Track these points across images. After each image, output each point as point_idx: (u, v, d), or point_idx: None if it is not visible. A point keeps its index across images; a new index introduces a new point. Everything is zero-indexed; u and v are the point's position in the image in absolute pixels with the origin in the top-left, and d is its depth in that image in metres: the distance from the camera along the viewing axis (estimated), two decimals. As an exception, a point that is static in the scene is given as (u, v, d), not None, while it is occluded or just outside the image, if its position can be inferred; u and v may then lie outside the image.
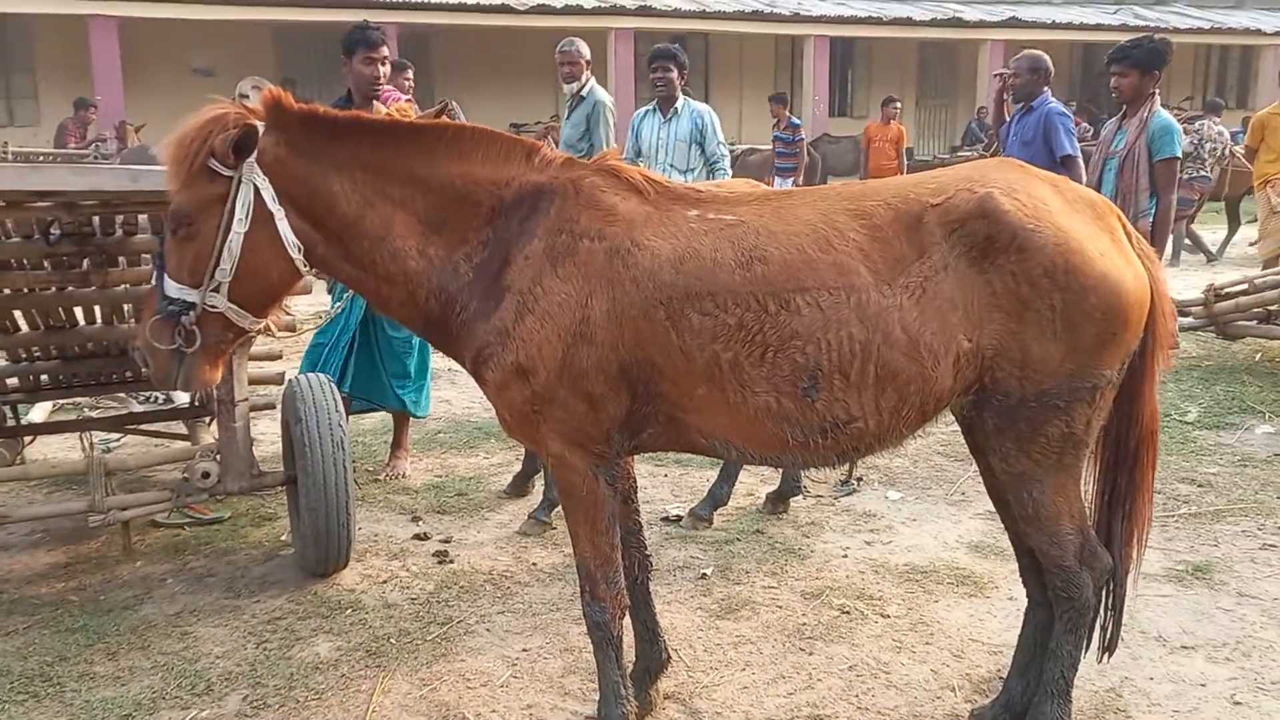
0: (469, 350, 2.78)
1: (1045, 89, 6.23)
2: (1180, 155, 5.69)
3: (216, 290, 2.66)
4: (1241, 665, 3.43)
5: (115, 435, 5.99)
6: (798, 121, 14.77)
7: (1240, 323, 7.36)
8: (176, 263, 2.67)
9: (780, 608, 3.94)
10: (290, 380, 4.35)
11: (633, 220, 2.69)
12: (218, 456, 4.08)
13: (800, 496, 5.09)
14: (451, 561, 4.41)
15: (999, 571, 4.16)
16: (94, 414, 6.00)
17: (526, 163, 2.81)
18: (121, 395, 6.29)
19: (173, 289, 2.66)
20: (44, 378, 4.82)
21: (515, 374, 2.68)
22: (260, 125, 2.65)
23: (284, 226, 2.67)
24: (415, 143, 2.78)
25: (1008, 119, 6.59)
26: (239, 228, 2.62)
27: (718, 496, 4.86)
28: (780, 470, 4.97)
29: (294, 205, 2.68)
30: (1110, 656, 2.99)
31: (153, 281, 2.76)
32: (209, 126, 2.61)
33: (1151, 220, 5.69)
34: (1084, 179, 5.90)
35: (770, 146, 15.10)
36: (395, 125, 2.85)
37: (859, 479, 5.39)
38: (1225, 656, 3.49)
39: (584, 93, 6.65)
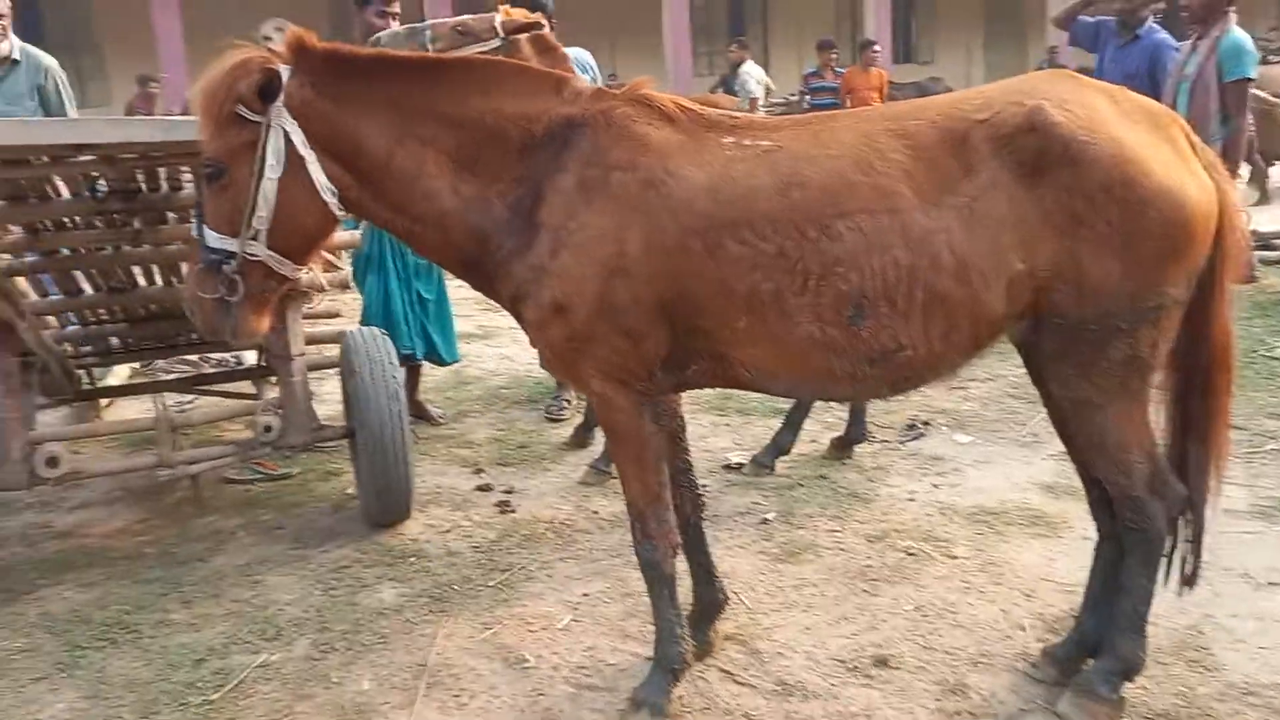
0: (507, 289, 2.74)
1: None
2: (1253, 76, 5.35)
3: (255, 238, 2.64)
4: (1331, 601, 3.28)
5: (189, 397, 6.12)
6: (842, 70, 14.06)
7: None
8: (214, 212, 2.66)
9: (844, 551, 3.87)
10: (346, 334, 4.38)
11: (666, 150, 2.61)
12: (279, 411, 4.13)
13: (866, 442, 5.00)
14: (513, 511, 4.43)
15: (1072, 511, 4.02)
16: (167, 377, 6.15)
17: (556, 95, 2.74)
18: (194, 358, 6.46)
19: (213, 239, 2.66)
20: (114, 341, 4.93)
21: (553, 311, 2.64)
22: (285, 68, 2.62)
23: (316, 170, 2.63)
24: (441, 79, 2.71)
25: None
26: (271, 174, 2.59)
27: (781, 444, 4.79)
28: (845, 412, 4.90)
29: (324, 148, 2.64)
30: (1190, 590, 2.87)
31: (193, 233, 2.76)
32: (234, 73, 2.58)
33: (1222, 145, 5.38)
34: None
35: (802, 96, 14.39)
36: (420, 61, 2.79)
37: (926, 423, 5.27)
38: (1314, 592, 3.34)
39: None
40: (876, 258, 2.49)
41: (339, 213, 2.74)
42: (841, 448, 4.87)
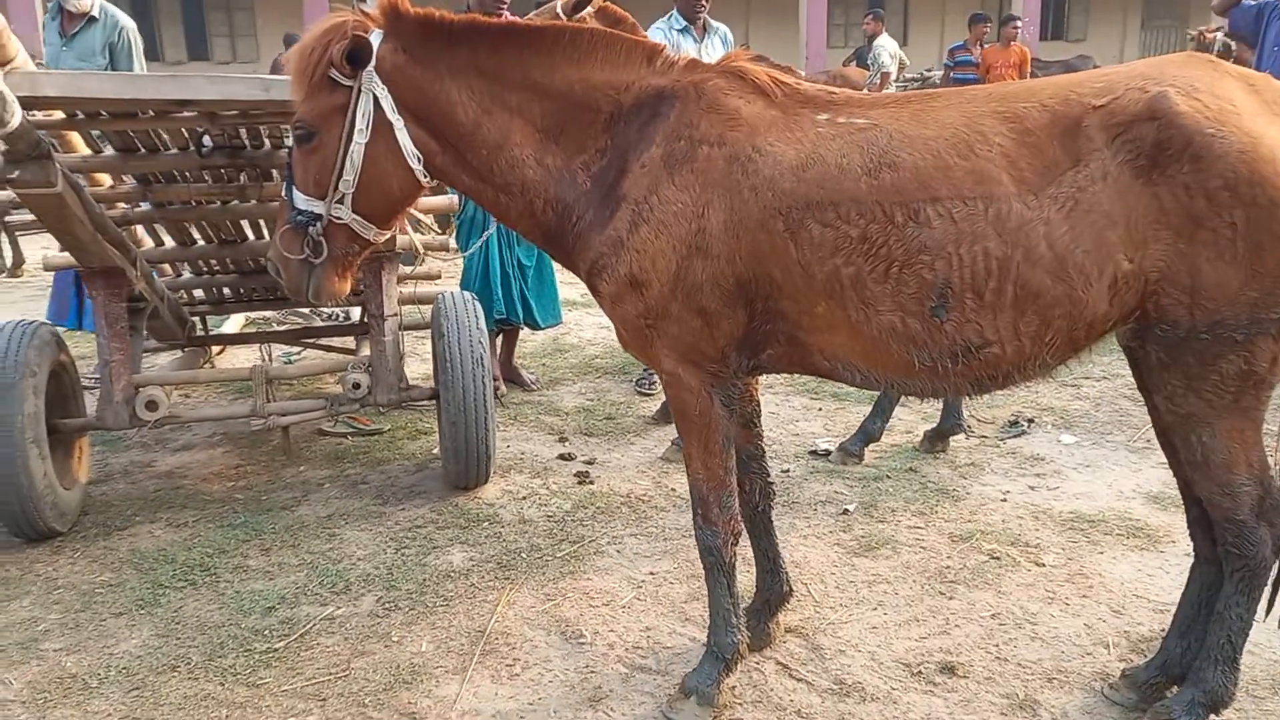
0: (584, 261, 2.69)
1: None
2: None
3: (341, 201, 2.65)
4: None
5: (298, 349, 6.32)
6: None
7: None
8: (303, 174, 2.68)
9: (924, 549, 3.71)
10: (438, 297, 4.42)
11: (756, 125, 2.51)
12: (369, 370, 4.20)
13: (963, 436, 4.80)
14: (591, 483, 4.41)
15: (1177, 525, 3.75)
16: (279, 329, 6.36)
17: (647, 65, 2.66)
18: (305, 311, 6.67)
19: (300, 200, 2.68)
20: (225, 291, 5.11)
21: (629, 286, 2.58)
22: (378, 33, 2.62)
23: (403, 136, 2.63)
24: (532, 47, 2.67)
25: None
26: (360, 138, 2.59)
27: (870, 432, 4.63)
28: (942, 405, 4.70)
29: (412, 114, 2.63)
30: None
31: (283, 194, 2.80)
32: (328, 36, 2.57)
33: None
34: None
35: (947, 70, 13.90)
36: (512, 29, 2.75)
37: (1030, 420, 5.02)
38: None
39: None
40: (966, 247, 2.34)
41: (424, 179, 2.73)
42: (935, 440, 4.69)
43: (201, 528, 4.01)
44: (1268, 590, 2.58)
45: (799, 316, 2.54)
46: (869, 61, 13.98)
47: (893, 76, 13.82)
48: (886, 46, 13.93)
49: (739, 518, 2.82)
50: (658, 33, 5.86)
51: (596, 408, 5.44)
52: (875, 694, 2.86)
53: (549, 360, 6.39)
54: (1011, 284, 2.33)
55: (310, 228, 2.67)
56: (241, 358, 6.33)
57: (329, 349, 5.93)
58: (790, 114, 2.54)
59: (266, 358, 5.67)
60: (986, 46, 13.15)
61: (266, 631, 3.23)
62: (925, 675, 2.94)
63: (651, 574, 3.60)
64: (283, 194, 2.79)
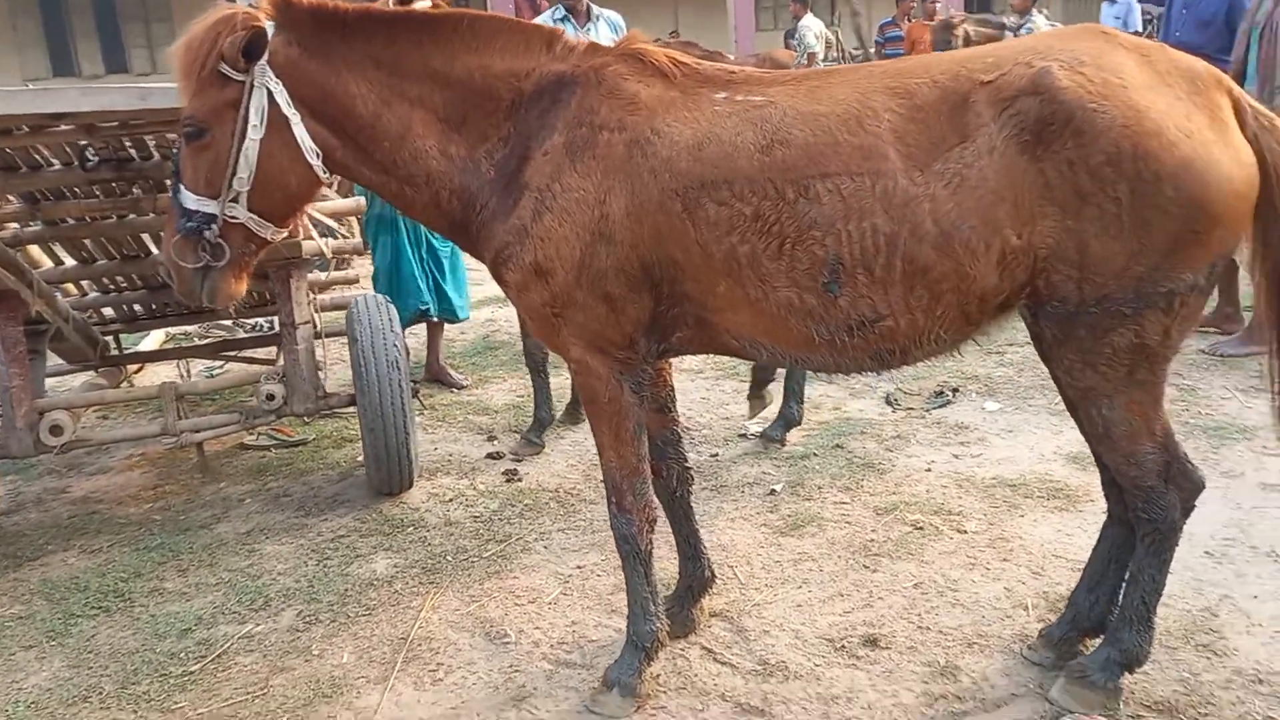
0: (489, 250, 2.65)
1: None
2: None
3: (235, 200, 2.58)
4: (1365, 584, 3.04)
5: (218, 364, 6.19)
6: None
7: None
8: (193, 173, 2.59)
9: (849, 524, 3.73)
10: (351, 302, 4.34)
11: (655, 108, 2.49)
12: (283, 379, 4.12)
13: (889, 409, 4.84)
14: (519, 480, 4.37)
15: (1096, 484, 3.72)
16: (201, 343, 6.22)
17: (547, 51, 2.63)
18: (227, 324, 6.52)
19: (190, 200, 2.59)
20: (137, 308, 4.97)
21: (534, 274, 2.55)
22: (270, 25, 2.54)
23: (300, 131, 2.56)
24: (431, 36, 2.61)
25: None
26: (254, 134, 2.52)
27: (789, 417, 4.62)
28: (871, 378, 4.72)
29: (309, 108, 2.57)
30: None
31: (171, 195, 2.72)
32: (217, 29, 2.50)
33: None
34: None
35: (879, 47, 14.04)
36: (409, 17, 2.68)
37: (955, 390, 5.07)
38: (1347, 574, 3.10)
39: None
40: (855, 223, 2.34)
41: (323, 175, 2.67)
42: (782, 429, 4.58)
43: (116, 552, 3.90)
44: None
45: (703, 297, 2.52)
46: (795, 43, 14.04)
47: (820, 56, 13.87)
48: (811, 27, 13.99)
49: (654, 505, 2.80)
50: (543, 21, 5.79)
51: (527, 404, 5.34)
52: (799, 671, 2.86)
53: (479, 359, 6.32)
54: (900, 259, 2.33)
55: (205, 230, 2.59)
56: (164, 375, 6.17)
57: (251, 361, 5.81)
58: (689, 94, 2.53)
59: (186, 374, 5.54)
60: (912, 21, 13.26)
61: (182, 654, 3.15)
62: (849, 649, 2.95)
63: (579, 568, 3.57)
64: (171, 195, 2.71)
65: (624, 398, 2.67)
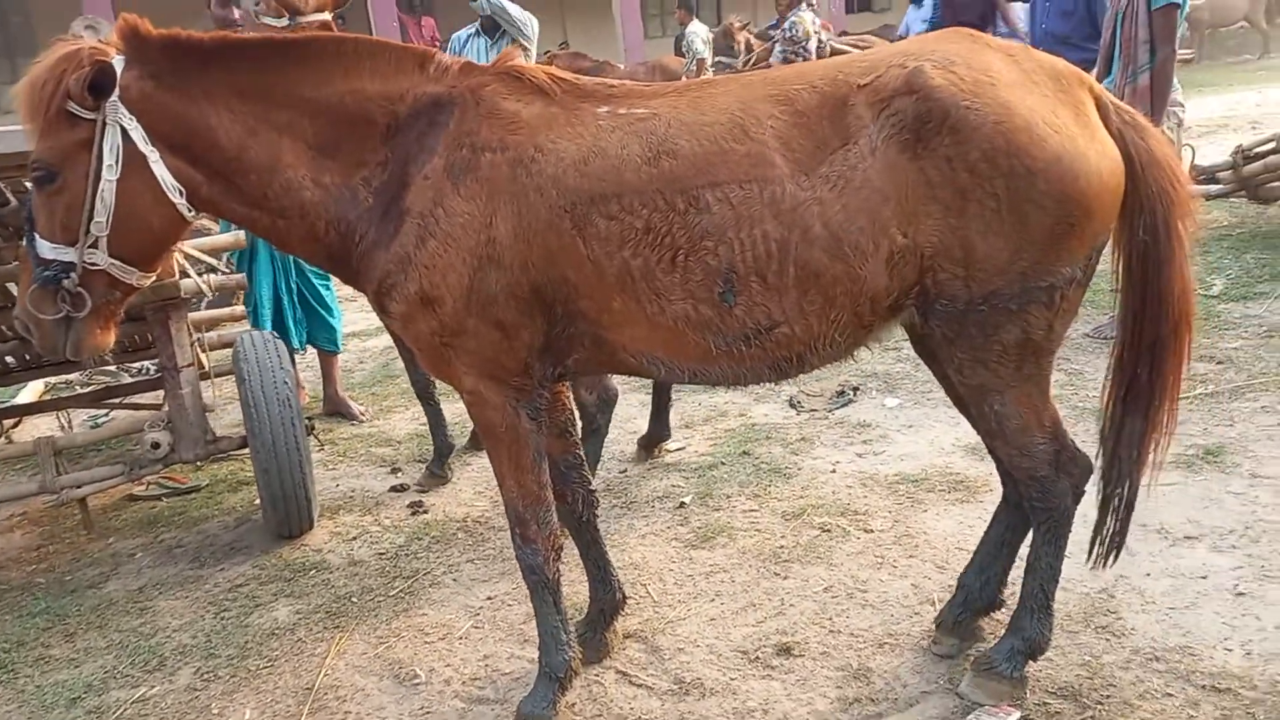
0: (371, 281, 2.56)
1: None
2: (1180, 3, 5.17)
3: (94, 246, 2.45)
4: (1248, 552, 3.16)
5: (103, 412, 5.92)
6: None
7: (1272, 184, 6.85)
8: (47, 219, 2.46)
9: (759, 532, 3.73)
10: (237, 339, 4.19)
11: (536, 126, 2.45)
12: (169, 425, 3.95)
13: (794, 412, 4.87)
14: (425, 512, 4.27)
15: (994, 474, 3.86)
16: (84, 391, 5.94)
17: (420, 72, 2.56)
18: (111, 369, 6.24)
19: (46, 249, 2.46)
20: (9, 360, 4.72)
21: (420, 304, 2.47)
22: (119, 59, 2.42)
23: (160, 169, 2.45)
24: (296, 61, 2.52)
25: None
26: (109, 175, 2.40)
27: (655, 435, 4.60)
28: (769, 386, 4.74)
29: (168, 144, 2.46)
30: (1109, 564, 2.68)
31: (24, 244, 2.57)
32: (61, 66, 2.38)
33: (1149, 75, 5.22)
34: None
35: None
36: (270, 43, 2.58)
37: (856, 389, 5.14)
38: (1231, 544, 3.22)
39: None
40: (746, 230, 2.33)
41: (188, 213, 2.55)
42: (647, 447, 4.61)
43: (-3, 622, 3.69)
44: (1101, 540, 2.66)
45: (598, 315, 2.49)
46: (684, 50, 14.15)
47: (708, 62, 14.00)
48: (699, 33, 14.11)
49: (559, 532, 2.75)
50: (456, 41, 5.74)
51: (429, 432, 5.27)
52: (715, 687, 2.84)
53: (379, 389, 6.19)
54: (792, 264, 2.34)
55: (64, 279, 2.46)
56: (44, 428, 5.88)
57: (137, 407, 5.57)
58: (571, 110, 2.49)
59: (68, 425, 5.29)
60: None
61: (71, 726, 2.99)
62: (763, 660, 2.95)
63: (489, 599, 3.50)
64: (24, 245, 2.56)
65: (521, 425, 2.61)
